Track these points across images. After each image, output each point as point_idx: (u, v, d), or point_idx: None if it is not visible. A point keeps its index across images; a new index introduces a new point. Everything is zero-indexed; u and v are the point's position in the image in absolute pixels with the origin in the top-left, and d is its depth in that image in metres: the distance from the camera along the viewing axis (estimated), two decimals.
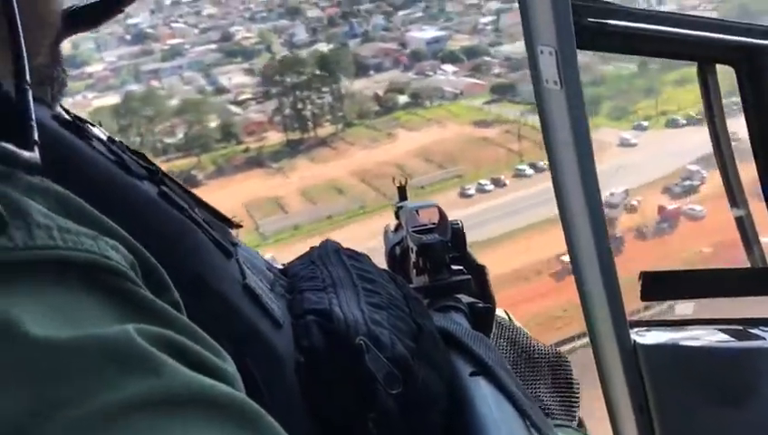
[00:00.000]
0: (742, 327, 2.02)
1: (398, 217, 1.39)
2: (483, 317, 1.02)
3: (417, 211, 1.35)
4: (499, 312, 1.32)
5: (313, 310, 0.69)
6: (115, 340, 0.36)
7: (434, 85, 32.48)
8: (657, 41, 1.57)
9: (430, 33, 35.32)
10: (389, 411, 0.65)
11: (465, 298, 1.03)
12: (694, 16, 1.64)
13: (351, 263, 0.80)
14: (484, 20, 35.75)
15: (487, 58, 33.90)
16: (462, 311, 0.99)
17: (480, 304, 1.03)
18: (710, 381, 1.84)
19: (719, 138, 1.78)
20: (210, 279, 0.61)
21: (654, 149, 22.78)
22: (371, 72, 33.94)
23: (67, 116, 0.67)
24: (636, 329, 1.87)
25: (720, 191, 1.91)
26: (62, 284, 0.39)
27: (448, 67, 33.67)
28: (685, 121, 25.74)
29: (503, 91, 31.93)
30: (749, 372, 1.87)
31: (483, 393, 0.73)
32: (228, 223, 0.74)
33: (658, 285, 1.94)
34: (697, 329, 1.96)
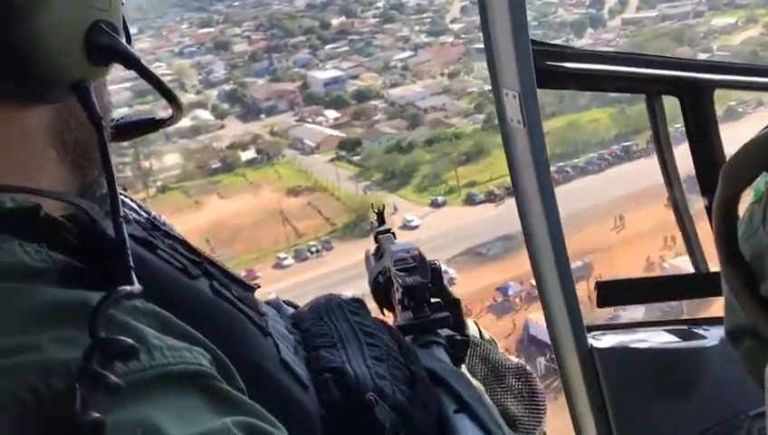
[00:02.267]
0: (687, 327, 2.22)
1: (377, 240, 1.52)
2: (460, 348, 1.18)
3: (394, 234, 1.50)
4: (471, 324, 1.49)
5: (329, 368, 0.82)
6: (222, 433, 0.49)
7: (301, 136, 29.90)
8: (610, 78, 1.74)
9: (330, 72, 32.81)
10: None
11: (444, 331, 1.19)
12: (641, 55, 1.82)
13: (354, 319, 0.93)
14: (401, 55, 33.26)
15: (375, 102, 31.46)
16: (442, 345, 1.14)
17: (458, 337, 1.19)
18: (659, 379, 2.05)
19: (666, 161, 1.97)
20: (258, 361, 0.73)
21: (430, 234, 20.82)
22: (262, 116, 31.53)
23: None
24: (593, 333, 2.06)
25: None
26: (177, 390, 0.53)
27: (331, 113, 31.09)
28: (483, 197, 23.94)
29: (350, 147, 29.43)
30: (693, 368, 2.08)
31: (467, 429, 0.88)
32: (251, 289, 0.87)
33: (613, 293, 2.14)
34: (647, 331, 2.16)
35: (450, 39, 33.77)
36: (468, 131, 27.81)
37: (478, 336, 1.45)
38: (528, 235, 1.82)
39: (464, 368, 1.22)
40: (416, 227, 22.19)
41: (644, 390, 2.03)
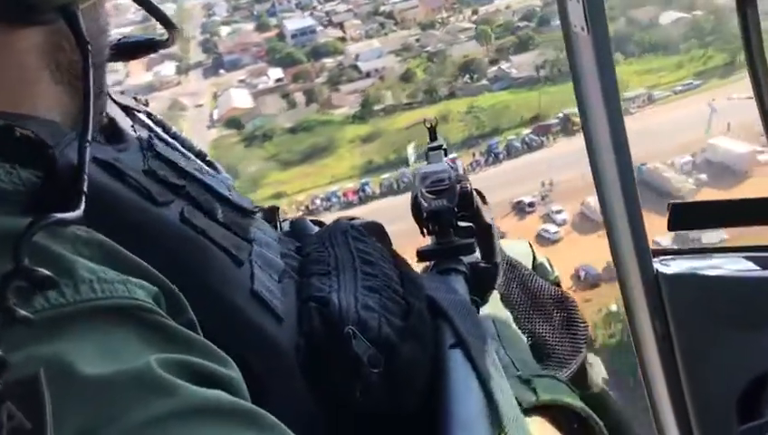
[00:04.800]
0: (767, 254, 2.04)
1: (427, 157, 1.41)
2: (484, 276, 1.10)
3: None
4: (523, 246, 1.38)
5: (315, 297, 0.77)
6: (140, 372, 0.47)
7: (220, 104, 27.34)
8: None
9: (302, 22, 30.28)
10: (373, 384, 0.75)
11: (469, 258, 1.10)
12: None
13: (357, 245, 0.87)
14: None
15: (327, 60, 29.23)
16: (462, 272, 1.08)
17: (482, 264, 1.11)
18: (730, 309, 1.89)
19: (756, 68, 1.76)
20: (223, 293, 0.69)
21: None
22: (222, 72, 29.75)
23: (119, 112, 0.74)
24: (659, 258, 1.92)
25: None
26: (103, 326, 0.49)
27: (275, 72, 28.75)
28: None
29: (234, 126, 27.23)
30: None
31: (457, 366, 0.83)
32: (245, 211, 0.80)
33: (686, 215, 1.97)
34: (721, 257, 2.00)
35: None
36: (338, 120, 26.39)
37: (530, 259, 1.34)
38: (592, 151, 1.68)
39: (496, 294, 1.14)
40: None
41: (714, 320, 1.88)
